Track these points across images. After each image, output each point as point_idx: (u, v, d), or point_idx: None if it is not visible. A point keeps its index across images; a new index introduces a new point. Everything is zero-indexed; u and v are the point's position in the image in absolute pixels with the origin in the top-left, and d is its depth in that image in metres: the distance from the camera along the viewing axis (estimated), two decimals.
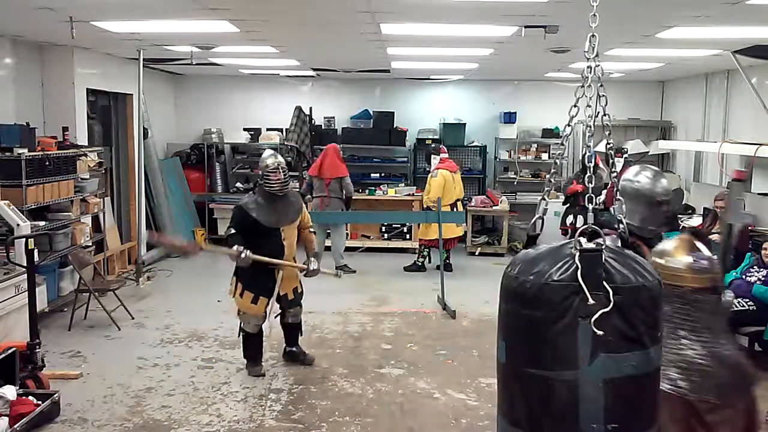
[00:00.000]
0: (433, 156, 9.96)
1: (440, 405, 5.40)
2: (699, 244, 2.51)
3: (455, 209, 9.80)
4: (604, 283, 2.24)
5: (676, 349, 2.44)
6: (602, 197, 8.17)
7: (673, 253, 2.59)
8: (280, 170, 5.72)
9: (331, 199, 9.68)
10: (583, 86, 2.52)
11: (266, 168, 5.75)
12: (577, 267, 2.27)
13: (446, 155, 9.93)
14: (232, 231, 5.71)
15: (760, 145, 7.53)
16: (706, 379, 2.38)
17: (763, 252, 6.27)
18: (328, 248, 9.96)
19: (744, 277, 6.31)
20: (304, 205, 6.14)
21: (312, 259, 6.03)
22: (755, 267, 6.31)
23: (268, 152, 5.96)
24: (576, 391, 2.27)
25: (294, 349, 6.20)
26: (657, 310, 2.34)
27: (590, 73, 2.50)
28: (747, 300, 6.12)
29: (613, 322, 2.25)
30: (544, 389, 2.33)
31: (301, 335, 6.29)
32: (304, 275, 6.02)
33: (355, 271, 9.76)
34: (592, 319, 2.21)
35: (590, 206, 2.39)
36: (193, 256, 4.76)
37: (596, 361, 2.27)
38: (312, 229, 6.16)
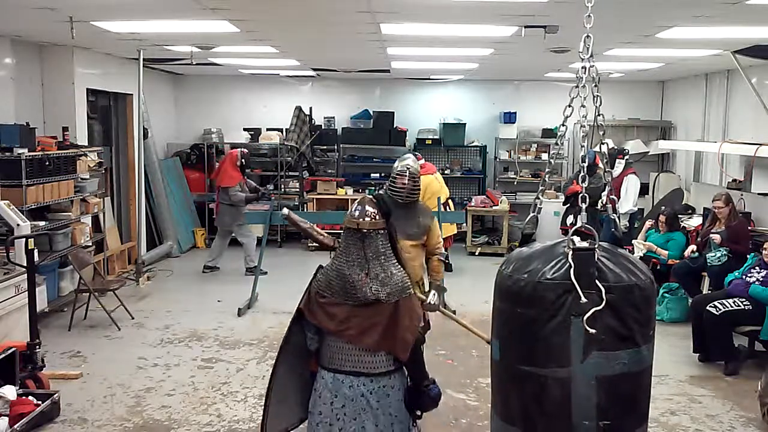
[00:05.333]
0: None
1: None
2: (368, 206, 3.17)
3: (447, 209, 9.74)
4: (597, 281, 2.26)
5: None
6: (605, 198, 8.20)
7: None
8: (407, 175, 4.97)
9: (221, 206, 9.72)
10: (577, 86, 2.53)
11: (394, 170, 5.08)
12: (570, 266, 2.28)
13: (423, 160, 9.82)
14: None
15: (760, 145, 7.53)
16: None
17: (764, 252, 6.27)
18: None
19: (744, 277, 6.31)
20: (435, 228, 5.15)
21: (433, 291, 4.98)
22: (756, 267, 6.31)
23: (404, 156, 5.35)
24: (569, 389, 2.29)
25: None
26: (650, 309, 2.35)
27: (584, 73, 2.51)
28: (743, 300, 6.12)
29: (605, 321, 2.27)
30: (537, 387, 2.34)
31: None
32: (424, 307, 4.90)
33: (266, 273, 8.99)
34: (585, 318, 2.23)
35: (583, 206, 2.39)
36: (327, 248, 4.41)
37: (589, 359, 2.28)
38: (441, 258, 5.18)
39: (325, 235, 4.61)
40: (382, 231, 3.17)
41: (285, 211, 4.69)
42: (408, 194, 4.97)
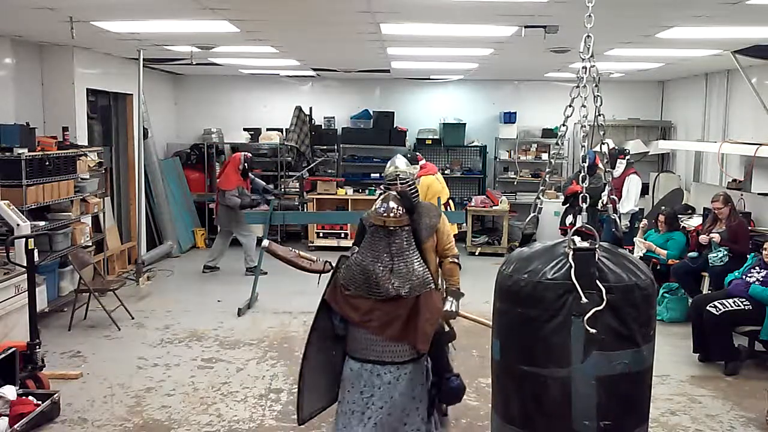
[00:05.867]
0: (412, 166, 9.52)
1: None
2: (392, 202, 3.32)
3: (447, 209, 9.73)
4: (598, 282, 2.26)
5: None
6: (605, 198, 8.21)
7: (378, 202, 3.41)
8: (398, 181, 4.67)
9: (220, 207, 9.72)
10: (578, 86, 2.53)
11: (386, 178, 4.79)
12: (570, 266, 2.29)
13: (424, 161, 9.78)
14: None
15: (760, 145, 7.53)
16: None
17: (764, 252, 6.27)
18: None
19: (744, 277, 6.31)
20: (444, 226, 4.72)
21: (450, 298, 4.61)
22: (756, 267, 6.31)
23: (394, 158, 5.02)
24: (569, 389, 2.30)
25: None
26: (650, 309, 2.36)
27: (585, 73, 2.51)
28: (743, 300, 6.12)
29: (606, 321, 2.27)
30: (537, 386, 2.35)
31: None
32: (442, 314, 4.57)
33: (266, 273, 8.84)
34: (585, 318, 2.23)
35: (584, 206, 2.39)
36: (318, 272, 4.04)
37: (589, 359, 2.29)
38: (455, 260, 4.74)
39: (314, 260, 4.43)
40: (407, 227, 3.33)
41: (266, 242, 4.55)
42: None
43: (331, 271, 3.78)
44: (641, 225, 8.66)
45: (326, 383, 3.55)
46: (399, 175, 4.73)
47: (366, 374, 3.30)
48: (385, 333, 3.23)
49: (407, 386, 3.28)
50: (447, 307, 4.50)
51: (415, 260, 3.32)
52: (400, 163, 4.86)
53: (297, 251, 4.49)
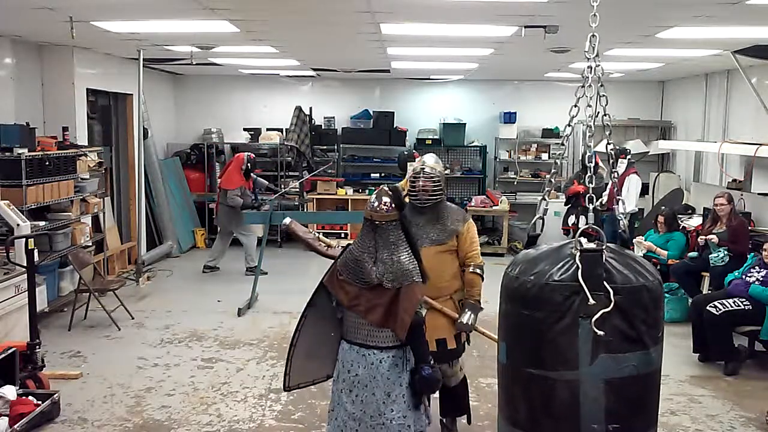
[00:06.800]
0: (409, 164, 9.41)
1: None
2: (385, 197, 3.47)
3: None
4: (605, 283, 2.25)
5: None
6: (605, 198, 8.20)
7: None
8: (422, 176, 4.37)
9: (221, 207, 9.72)
10: (583, 86, 2.52)
11: (412, 172, 4.49)
12: (577, 267, 2.28)
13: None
14: None
15: (760, 145, 7.53)
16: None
17: (764, 253, 6.27)
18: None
19: (744, 277, 6.30)
20: (468, 232, 4.47)
21: (467, 310, 4.40)
22: (756, 267, 6.31)
23: (424, 155, 4.75)
24: (577, 392, 2.28)
25: (443, 419, 4.81)
26: (658, 311, 2.35)
27: (590, 73, 2.51)
28: (743, 300, 6.12)
29: (613, 323, 2.26)
30: (545, 390, 2.33)
31: (467, 413, 4.82)
32: (456, 327, 4.43)
33: (266, 273, 9.11)
34: (593, 320, 2.22)
35: (590, 206, 2.39)
36: (333, 258, 3.84)
37: (597, 362, 2.28)
38: (477, 270, 4.44)
39: (333, 245, 4.44)
40: (395, 222, 3.47)
41: (287, 220, 4.43)
42: (428, 197, 4.37)
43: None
44: (621, 229, 8.64)
45: (318, 358, 3.76)
46: (424, 169, 4.43)
47: (354, 354, 3.52)
48: (368, 317, 3.46)
49: (390, 369, 3.47)
50: (463, 319, 4.35)
51: (402, 253, 3.48)
52: (428, 159, 4.63)
53: (316, 234, 4.53)
